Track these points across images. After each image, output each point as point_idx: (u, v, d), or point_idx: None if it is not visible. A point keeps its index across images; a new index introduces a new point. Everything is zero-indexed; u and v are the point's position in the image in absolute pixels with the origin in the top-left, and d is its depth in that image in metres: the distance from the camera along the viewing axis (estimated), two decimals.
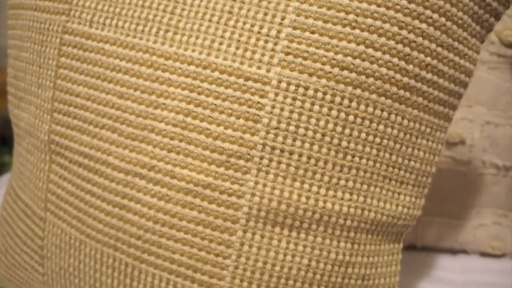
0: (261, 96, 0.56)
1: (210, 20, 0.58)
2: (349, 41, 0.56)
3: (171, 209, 0.59)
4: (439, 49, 0.58)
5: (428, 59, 0.58)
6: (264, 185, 0.57)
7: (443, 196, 0.95)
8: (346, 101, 0.56)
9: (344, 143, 0.57)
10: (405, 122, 0.59)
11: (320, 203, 0.58)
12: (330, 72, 0.56)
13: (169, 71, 0.59)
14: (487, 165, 0.94)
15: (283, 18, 0.56)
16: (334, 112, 0.56)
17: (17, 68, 0.73)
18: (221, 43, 0.58)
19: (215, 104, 0.57)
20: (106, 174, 0.62)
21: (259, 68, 0.57)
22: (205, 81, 0.58)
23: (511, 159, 0.94)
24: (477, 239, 0.95)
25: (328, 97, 0.56)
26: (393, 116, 0.58)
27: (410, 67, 0.57)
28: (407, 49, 0.57)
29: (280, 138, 0.56)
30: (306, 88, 0.56)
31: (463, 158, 0.94)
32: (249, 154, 0.57)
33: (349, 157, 0.57)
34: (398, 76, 0.57)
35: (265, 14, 0.57)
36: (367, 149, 0.58)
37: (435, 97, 0.60)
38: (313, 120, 0.56)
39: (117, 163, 0.61)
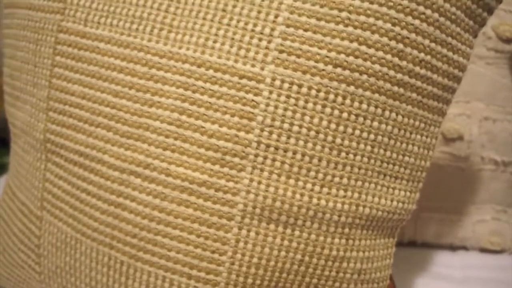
0: (256, 94, 0.56)
1: (204, 18, 0.58)
2: (342, 39, 0.56)
3: (166, 207, 0.59)
4: (433, 44, 0.58)
5: (422, 55, 0.58)
6: (259, 183, 0.57)
7: (442, 192, 0.95)
8: (340, 99, 0.56)
9: (338, 140, 0.57)
10: (400, 118, 0.59)
11: (314, 200, 0.58)
12: (323, 70, 0.56)
13: (164, 69, 0.59)
14: (486, 161, 0.94)
15: (276, 16, 0.56)
16: (328, 110, 0.56)
17: (13, 67, 0.73)
18: (215, 41, 0.58)
19: (209, 102, 0.57)
20: (101, 172, 0.62)
21: (253, 66, 0.56)
22: (200, 79, 0.58)
23: (509, 154, 0.94)
24: (476, 235, 0.95)
25: (322, 94, 0.56)
26: (387, 113, 0.58)
27: (404, 63, 0.57)
28: (401, 46, 0.57)
29: (274, 136, 0.56)
30: (300, 86, 0.56)
31: (461, 154, 0.94)
32: (244, 152, 0.57)
33: (343, 154, 0.57)
34: (391, 72, 0.57)
35: (259, 12, 0.57)
36: (362, 145, 0.58)
37: (429, 92, 0.60)
38: (307, 118, 0.56)
39: (112, 162, 0.61)
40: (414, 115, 0.60)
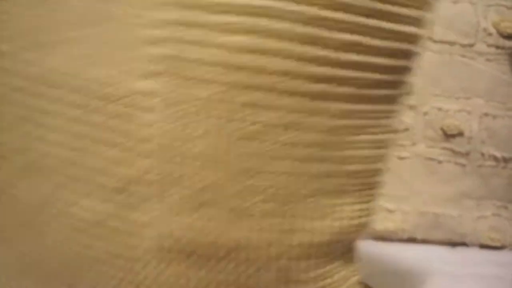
0: (151, 111, 0.47)
1: (94, 25, 0.49)
2: (245, 32, 0.45)
3: (83, 241, 0.51)
4: (365, 20, 0.47)
5: (350, 36, 0.46)
6: (167, 214, 0.48)
7: (442, 188, 0.95)
8: (243, 110, 0.46)
9: (248, 164, 0.47)
10: (326, 121, 0.48)
11: (232, 233, 0.48)
12: (222, 75, 0.45)
13: (60, 88, 0.50)
14: (486, 157, 0.93)
15: (165, 15, 0.46)
16: (231, 125, 0.46)
17: None
18: (105, 53, 0.48)
19: (106, 124, 0.48)
20: (14, 208, 0.55)
21: (144, 78, 0.47)
22: (95, 97, 0.48)
23: (509, 150, 0.93)
24: (476, 231, 0.93)
25: (222, 106, 0.46)
26: (306, 120, 0.47)
27: (324, 52, 0.46)
28: (317, 31, 0.45)
29: (176, 160, 0.47)
30: (196, 99, 0.46)
31: (461, 150, 0.92)
32: (147, 179, 0.47)
33: (259, 178, 0.47)
34: (308, 68, 0.46)
35: (141, 10, 0.47)
36: (280, 164, 0.47)
37: (367, 81, 0.48)
38: (209, 139, 0.46)
39: (22, 197, 0.54)
40: (349, 113, 0.48)
